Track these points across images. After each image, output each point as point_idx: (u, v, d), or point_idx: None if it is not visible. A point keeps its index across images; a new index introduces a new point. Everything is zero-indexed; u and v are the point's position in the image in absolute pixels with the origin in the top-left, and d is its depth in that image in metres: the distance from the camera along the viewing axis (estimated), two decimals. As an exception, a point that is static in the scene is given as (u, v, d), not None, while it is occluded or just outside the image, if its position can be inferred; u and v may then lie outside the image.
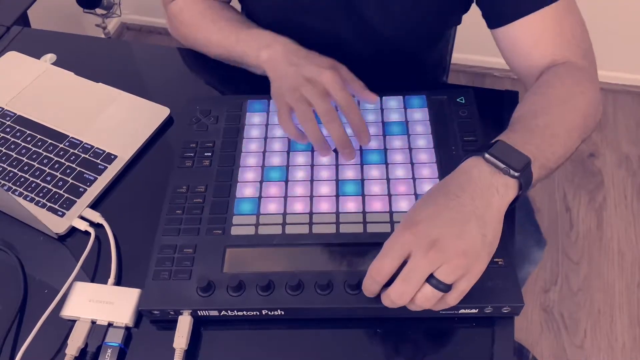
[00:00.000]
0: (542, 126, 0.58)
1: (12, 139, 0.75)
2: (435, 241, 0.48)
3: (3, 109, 0.79)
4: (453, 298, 0.50)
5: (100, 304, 0.58)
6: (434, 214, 0.50)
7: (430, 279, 0.49)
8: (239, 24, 0.77)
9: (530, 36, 0.67)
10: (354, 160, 0.66)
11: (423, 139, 0.68)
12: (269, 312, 0.56)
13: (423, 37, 0.83)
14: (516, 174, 0.52)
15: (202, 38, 0.80)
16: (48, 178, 0.70)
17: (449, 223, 0.50)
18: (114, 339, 0.57)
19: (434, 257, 0.48)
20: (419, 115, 0.71)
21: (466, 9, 0.78)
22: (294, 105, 0.65)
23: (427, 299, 0.49)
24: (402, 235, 0.50)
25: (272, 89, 0.69)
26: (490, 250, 0.51)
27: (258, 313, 0.56)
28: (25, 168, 0.72)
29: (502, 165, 0.52)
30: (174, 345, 0.55)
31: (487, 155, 0.53)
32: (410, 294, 0.49)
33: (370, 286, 0.52)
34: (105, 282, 0.61)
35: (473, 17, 0.81)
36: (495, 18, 0.69)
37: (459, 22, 0.84)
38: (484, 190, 0.52)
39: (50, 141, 0.74)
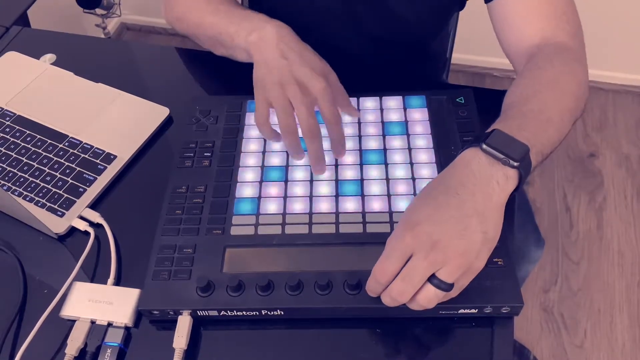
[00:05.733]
0: (536, 111, 0.58)
1: (12, 139, 0.75)
2: (436, 242, 0.48)
3: (3, 109, 0.79)
4: (453, 291, 0.50)
5: (99, 304, 0.58)
6: (434, 214, 0.50)
7: (432, 279, 0.48)
8: (233, 6, 0.75)
9: (524, 10, 0.68)
10: (353, 160, 0.67)
11: (422, 139, 0.68)
12: (269, 312, 0.56)
13: (430, 17, 0.83)
14: (516, 164, 0.51)
15: (195, 19, 0.76)
16: (48, 178, 0.70)
17: (450, 222, 0.49)
18: (114, 338, 0.57)
19: (435, 258, 0.48)
20: (419, 116, 0.71)
21: None
22: (278, 109, 0.64)
23: (429, 299, 0.49)
24: (403, 237, 0.49)
25: (256, 73, 0.67)
26: (491, 245, 0.50)
27: (258, 313, 0.56)
28: (25, 168, 0.72)
29: (501, 156, 0.51)
30: (174, 345, 0.55)
31: (484, 146, 0.52)
32: (411, 292, 0.49)
33: (373, 287, 0.52)
34: (104, 282, 0.61)
35: (473, 17, 0.82)
36: None
37: (462, 5, 0.84)
38: (484, 184, 0.51)
39: (49, 141, 0.74)
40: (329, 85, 0.64)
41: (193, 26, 0.77)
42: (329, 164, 0.66)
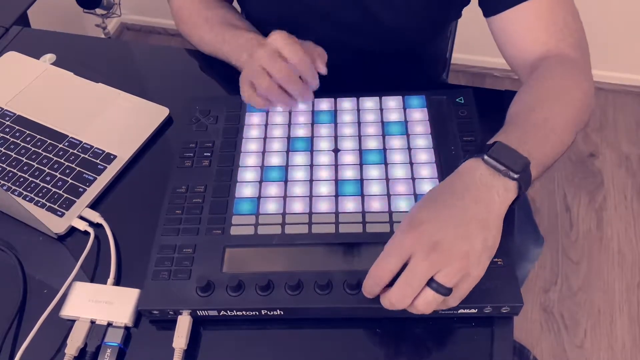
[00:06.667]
0: (539, 123, 0.58)
1: (12, 139, 0.75)
2: (437, 243, 0.48)
3: (3, 109, 0.79)
4: (453, 300, 0.50)
5: (99, 304, 0.58)
6: (435, 217, 0.50)
7: (431, 282, 0.48)
8: (229, 24, 0.78)
9: (524, 24, 0.68)
10: (353, 160, 0.67)
11: (422, 139, 0.68)
12: (268, 312, 0.56)
13: (424, 28, 0.83)
14: (516, 176, 0.52)
15: (196, 36, 0.82)
16: (47, 178, 0.70)
17: (451, 226, 0.49)
18: (114, 338, 0.57)
19: (435, 259, 0.48)
20: (419, 115, 0.71)
21: (466, 1, 0.78)
22: (253, 77, 0.67)
23: (428, 303, 0.49)
24: (404, 237, 0.49)
25: None
26: (490, 253, 0.51)
27: (257, 313, 0.56)
28: (25, 168, 0.72)
29: (502, 168, 0.52)
30: (174, 345, 0.55)
31: (486, 157, 0.53)
32: (411, 297, 0.49)
33: (370, 288, 0.51)
34: (104, 282, 0.61)
35: (473, 17, 0.82)
36: (491, 6, 0.69)
37: (459, 15, 0.84)
38: (485, 194, 0.51)
39: (49, 141, 0.74)
40: (288, 34, 0.67)
41: (196, 43, 0.84)
42: (328, 163, 0.66)
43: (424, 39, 0.88)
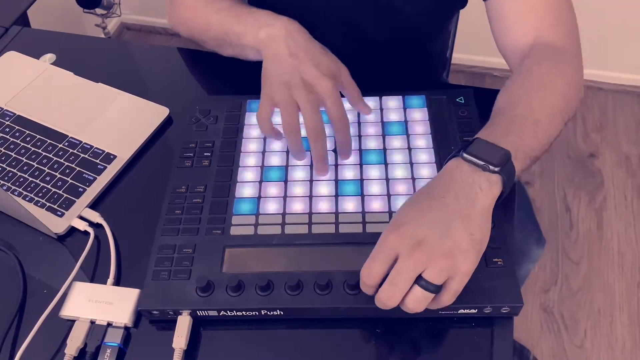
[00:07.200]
0: (522, 115, 0.58)
1: (12, 139, 0.75)
2: (420, 242, 0.48)
3: (2, 109, 0.79)
4: (447, 298, 0.50)
5: (99, 304, 0.58)
6: (418, 216, 0.51)
7: (420, 280, 0.49)
8: (238, 4, 0.74)
9: (518, 9, 0.68)
10: (353, 160, 0.66)
11: (422, 139, 0.68)
12: (268, 312, 0.56)
13: (433, 12, 0.83)
14: (496, 169, 0.52)
15: (201, 20, 0.76)
16: (47, 178, 0.70)
17: (434, 223, 0.50)
18: (113, 339, 0.57)
19: (419, 257, 0.48)
20: (419, 115, 0.71)
21: None
22: (282, 108, 0.64)
23: (417, 301, 0.49)
24: (388, 238, 0.50)
25: (264, 71, 0.67)
26: (479, 248, 0.50)
27: (257, 313, 0.56)
28: (25, 168, 0.72)
29: (481, 163, 0.52)
30: (173, 345, 0.55)
31: (465, 155, 0.53)
32: (399, 295, 0.49)
33: (363, 290, 0.52)
34: (104, 282, 0.61)
35: (473, 17, 0.82)
36: None
37: (464, 3, 0.84)
38: (467, 189, 0.52)
39: (49, 141, 0.74)
40: (337, 84, 0.65)
41: (199, 29, 0.77)
42: (329, 163, 0.66)
43: (431, 28, 0.88)
